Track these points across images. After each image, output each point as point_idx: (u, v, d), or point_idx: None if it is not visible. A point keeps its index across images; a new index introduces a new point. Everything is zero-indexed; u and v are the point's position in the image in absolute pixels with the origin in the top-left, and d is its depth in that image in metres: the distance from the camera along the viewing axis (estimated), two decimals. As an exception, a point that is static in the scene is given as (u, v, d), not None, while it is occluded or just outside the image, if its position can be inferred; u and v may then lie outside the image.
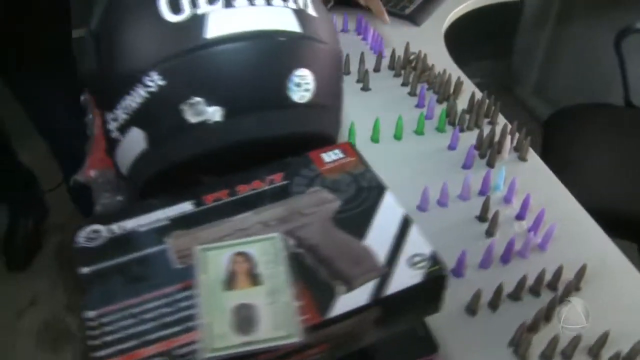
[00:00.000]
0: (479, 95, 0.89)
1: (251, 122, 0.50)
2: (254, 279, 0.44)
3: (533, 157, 0.82)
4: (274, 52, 0.49)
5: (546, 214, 0.70)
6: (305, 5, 0.52)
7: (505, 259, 0.67)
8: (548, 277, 0.64)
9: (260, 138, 0.50)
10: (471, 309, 0.62)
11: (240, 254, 0.46)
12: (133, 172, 0.52)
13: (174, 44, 0.47)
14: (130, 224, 0.48)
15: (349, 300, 0.42)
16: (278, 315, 0.41)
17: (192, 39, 0.47)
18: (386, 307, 0.43)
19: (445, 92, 0.91)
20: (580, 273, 0.64)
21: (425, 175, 0.77)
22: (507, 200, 0.74)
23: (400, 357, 0.54)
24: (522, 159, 0.81)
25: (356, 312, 0.42)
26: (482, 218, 0.72)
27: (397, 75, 0.97)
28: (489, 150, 0.80)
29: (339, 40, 0.57)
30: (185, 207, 0.50)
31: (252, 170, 0.52)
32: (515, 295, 0.64)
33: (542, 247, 0.69)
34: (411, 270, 0.44)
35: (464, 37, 1.26)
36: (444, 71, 0.93)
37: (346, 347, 0.45)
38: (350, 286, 0.42)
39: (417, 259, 0.45)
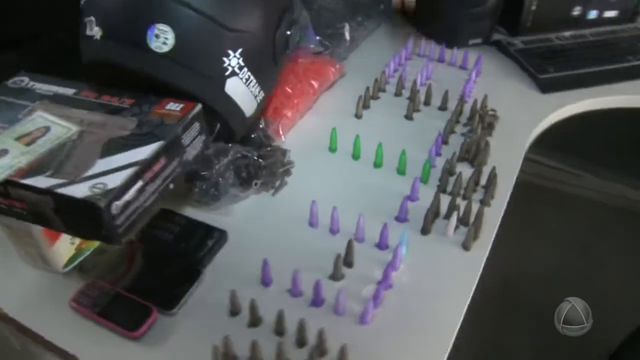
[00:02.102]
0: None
1: (117, 49, 0.65)
2: (31, 142, 0.61)
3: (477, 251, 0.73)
4: (145, 2, 0.63)
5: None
6: None
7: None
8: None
9: (119, 65, 0.65)
10: None
11: (45, 127, 0.64)
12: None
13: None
14: (38, 85, 0.71)
15: (38, 181, 0.56)
16: (8, 162, 0.58)
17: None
18: (56, 201, 0.55)
19: (472, 156, 0.85)
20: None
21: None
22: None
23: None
24: (466, 248, 0.73)
25: (35, 190, 0.56)
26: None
27: (456, 121, 0.93)
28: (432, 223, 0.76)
29: (250, 28, 0.67)
30: (68, 91, 0.70)
31: (123, 89, 0.68)
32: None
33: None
34: (85, 188, 0.55)
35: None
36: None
37: (41, 219, 0.58)
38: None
39: (98, 184, 0.55)
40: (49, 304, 0.65)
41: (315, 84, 0.93)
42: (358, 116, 0.94)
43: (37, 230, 0.62)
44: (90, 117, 0.65)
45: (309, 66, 0.94)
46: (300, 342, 0.61)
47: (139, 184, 0.58)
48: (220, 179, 0.75)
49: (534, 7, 1.13)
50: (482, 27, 1.11)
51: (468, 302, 0.66)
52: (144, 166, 0.58)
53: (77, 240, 0.67)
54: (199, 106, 0.66)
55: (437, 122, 0.91)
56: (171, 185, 0.64)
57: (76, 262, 0.69)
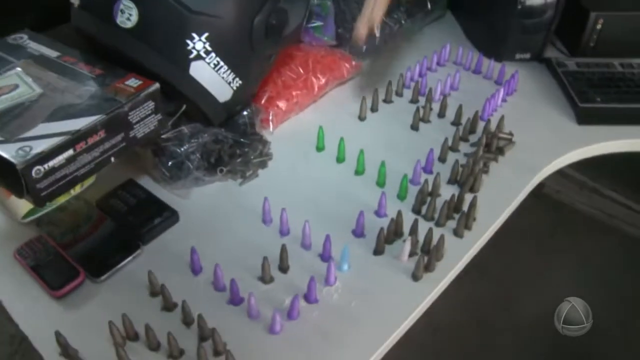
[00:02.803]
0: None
1: (88, 20, 0.67)
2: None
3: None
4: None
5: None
6: None
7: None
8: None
9: (90, 34, 0.68)
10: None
11: (15, 84, 0.67)
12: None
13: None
14: (32, 44, 0.75)
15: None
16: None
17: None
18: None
19: (462, 180, 0.79)
20: None
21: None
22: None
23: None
24: (415, 277, 0.68)
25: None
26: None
27: (464, 139, 0.87)
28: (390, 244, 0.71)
29: (218, 13, 0.66)
30: (53, 54, 0.73)
31: (99, 59, 0.70)
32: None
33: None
34: (14, 149, 0.57)
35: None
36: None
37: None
38: None
39: (26, 147, 0.58)
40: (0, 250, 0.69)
41: (322, 78, 0.90)
42: (361, 118, 0.90)
43: (-6, 179, 0.66)
44: (56, 81, 0.67)
45: (320, 59, 0.91)
46: (202, 337, 0.60)
47: (69, 152, 0.60)
48: (187, 160, 0.75)
49: (599, 26, 1.01)
50: (533, 41, 1.01)
51: (391, 340, 0.62)
52: (77, 137, 0.60)
53: (35, 195, 0.70)
54: (155, 85, 0.66)
55: (444, 137, 0.84)
56: (112, 159, 0.65)
57: (37, 215, 0.72)
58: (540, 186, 1.90)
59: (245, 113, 0.82)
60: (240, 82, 0.74)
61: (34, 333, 0.61)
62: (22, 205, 0.71)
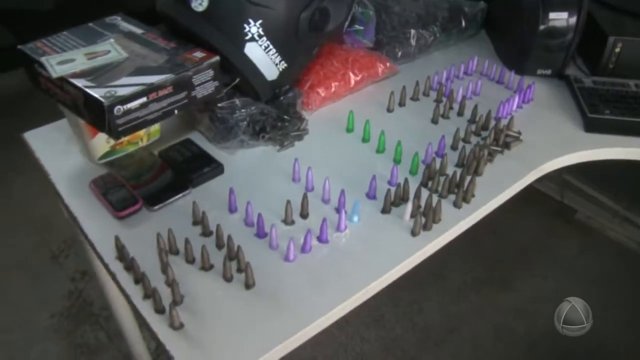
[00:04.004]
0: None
1: (169, 3, 0.85)
2: (92, 58, 0.84)
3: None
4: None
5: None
6: None
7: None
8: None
9: (169, 16, 0.85)
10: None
11: (107, 50, 0.86)
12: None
13: None
14: (124, 24, 0.94)
15: (79, 82, 0.77)
16: (70, 67, 0.80)
17: None
18: (84, 96, 0.76)
19: (468, 163, 0.90)
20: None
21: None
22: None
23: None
24: (413, 233, 0.81)
25: (75, 87, 0.77)
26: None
27: (476, 133, 0.99)
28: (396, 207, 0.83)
29: (271, 5, 0.82)
30: (138, 31, 0.91)
31: (175, 36, 0.87)
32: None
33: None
34: (103, 92, 0.75)
35: None
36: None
37: (78, 110, 0.80)
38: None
39: (112, 91, 0.75)
40: (79, 180, 0.86)
41: (359, 74, 1.04)
42: (389, 110, 1.03)
43: (82, 123, 0.84)
44: (140, 50, 0.85)
45: (359, 59, 1.06)
46: (230, 256, 0.74)
47: (143, 99, 0.76)
48: (235, 126, 0.91)
49: (617, 49, 1.11)
50: (554, 59, 1.12)
51: (385, 278, 0.74)
52: (151, 88, 0.76)
53: (112, 141, 0.87)
54: (215, 57, 0.83)
55: (460, 131, 0.96)
56: (176, 111, 0.81)
57: (110, 159, 0.89)
58: (572, 212, 1.97)
59: (289, 95, 0.97)
60: (285, 65, 0.90)
61: (99, 242, 0.76)
62: (100, 148, 0.88)
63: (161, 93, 0.78)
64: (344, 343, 1.54)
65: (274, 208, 0.81)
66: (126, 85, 0.76)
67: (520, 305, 1.71)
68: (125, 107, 0.74)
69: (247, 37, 0.84)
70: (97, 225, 0.79)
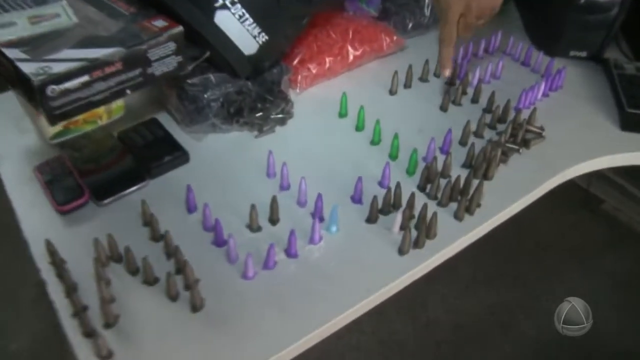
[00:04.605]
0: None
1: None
2: (36, 22, 0.71)
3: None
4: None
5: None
6: None
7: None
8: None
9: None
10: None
11: (56, 14, 0.73)
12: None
13: None
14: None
15: (12, 52, 0.65)
16: (7, 32, 0.68)
17: None
18: (15, 70, 0.64)
19: (477, 165, 0.76)
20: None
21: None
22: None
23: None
24: (400, 251, 0.68)
25: (7, 58, 0.65)
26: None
27: (491, 126, 0.84)
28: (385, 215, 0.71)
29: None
30: None
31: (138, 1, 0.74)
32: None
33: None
34: (35, 66, 0.62)
35: None
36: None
37: (15, 85, 0.68)
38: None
39: (46, 67, 0.62)
40: (28, 163, 0.75)
41: (359, 48, 0.90)
42: (392, 92, 0.89)
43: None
44: (93, 15, 0.72)
45: (361, 30, 0.91)
46: (178, 269, 0.63)
47: (85, 78, 0.64)
48: (207, 106, 0.78)
49: (669, 31, 0.94)
50: (592, 39, 0.96)
51: (356, 309, 0.62)
52: (95, 65, 0.64)
53: (63, 119, 0.76)
54: (178, 28, 0.69)
55: (472, 122, 0.82)
56: (128, 91, 0.69)
57: (63, 138, 0.78)
58: (599, 202, 1.80)
59: (274, 71, 0.83)
60: (266, 37, 0.76)
61: (34, 241, 0.65)
62: (49, 127, 0.76)
63: (108, 70, 0.66)
64: (337, 332, 1.44)
65: (241, 209, 0.69)
66: (66, 59, 0.64)
67: (531, 304, 1.58)
68: (61, 87, 0.62)
69: (218, 4, 0.70)
70: (36, 220, 0.69)
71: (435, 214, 0.67)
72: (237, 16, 0.72)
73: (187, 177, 0.74)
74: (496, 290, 1.62)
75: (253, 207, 0.67)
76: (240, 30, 0.73)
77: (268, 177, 0.75)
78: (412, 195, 0.70)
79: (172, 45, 0.70)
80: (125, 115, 0.80)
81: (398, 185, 0.70)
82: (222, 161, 0.77)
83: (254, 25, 0.73)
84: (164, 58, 0.70)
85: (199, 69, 0.78)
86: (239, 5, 0.71)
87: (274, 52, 0.80)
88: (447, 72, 0.83)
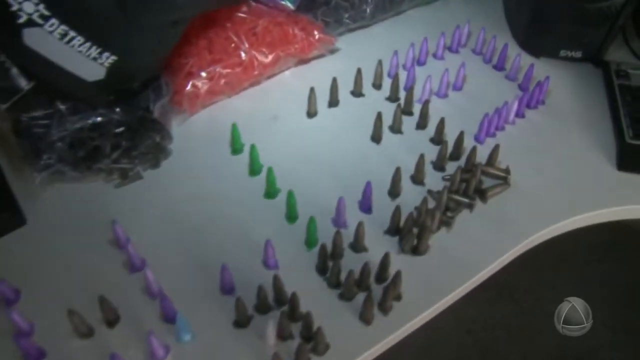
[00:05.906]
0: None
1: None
2: None
3: None
4: None
5: None
6: None
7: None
8: None
9: None
10: None
11: None
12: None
13: None
14: None
15: None
16: None
17: None
18: None
19: (403, 234, 0.55)
20: None
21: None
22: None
23: None
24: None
25: None
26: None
27: (437, 166, 0.63)
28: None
29: None
30: None
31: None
32: None
33: None
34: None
35: None
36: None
37: None
38: None
39: None
40: None
41: (269, 54, 0.68)
42: (310, 114, 0.68)
43: None
44: None
45: (273, 28, 0.69)
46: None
47: None
48: (48, 148, 0.59)
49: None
50: (588, 35, 0.71)
51: None
52: None
53: None
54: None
55: (411, 160, 0.61)
56: None
57: None
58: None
59: (149, 92, 0.63)
60: (115, 57, 0.55)
61: None
62: None
63: None
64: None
65: (70, 299, 0.51)
66: None
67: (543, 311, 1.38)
68: None
69: (22, 20, 0.49)
70: None
71: (320, 327, 0.47)
72: (56, 35, 0.51)
73: (20, 246, 0.56)
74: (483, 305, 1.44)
75: (70, 312, 0.48)
76: (67, 51, 0.53)
77: (120, 248, 0.56)
78: (294, 294, 0.50)
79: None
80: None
81: (277, 278, 0.51)
82: (66, 223, 0.58)
83: (90, 45, 0.53)
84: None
85: (46, 100, 0.58)
86: (54, 20, 0.50)
87: (135, 73, 0.59)
88: None
